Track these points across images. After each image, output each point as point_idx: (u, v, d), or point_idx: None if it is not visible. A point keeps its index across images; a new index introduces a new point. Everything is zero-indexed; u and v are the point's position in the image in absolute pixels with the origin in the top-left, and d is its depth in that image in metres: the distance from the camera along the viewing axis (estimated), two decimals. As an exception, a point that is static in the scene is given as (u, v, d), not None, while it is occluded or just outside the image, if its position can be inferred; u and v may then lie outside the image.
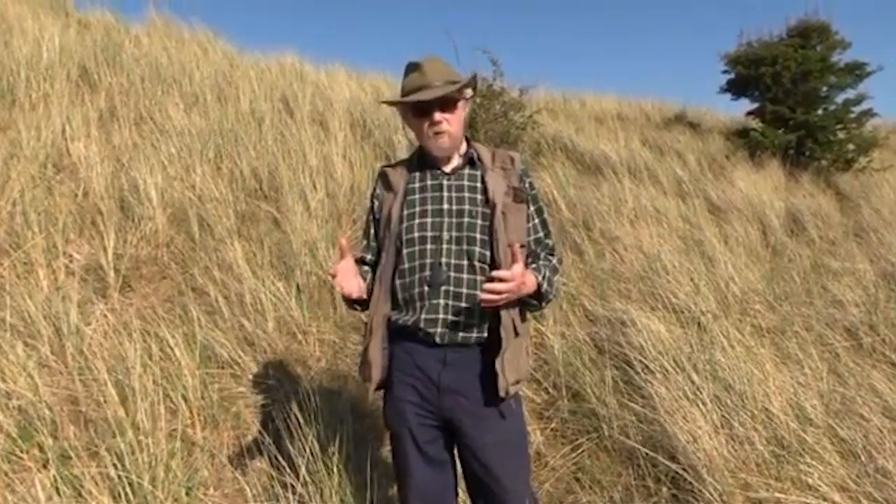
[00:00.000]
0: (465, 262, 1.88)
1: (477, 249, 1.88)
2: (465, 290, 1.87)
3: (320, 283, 4.25)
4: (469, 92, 2.00)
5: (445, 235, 1.90)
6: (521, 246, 1.93)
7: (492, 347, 1.86)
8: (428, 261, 1.89)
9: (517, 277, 1.73)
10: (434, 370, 1.90)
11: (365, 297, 1.98)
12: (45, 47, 6.31)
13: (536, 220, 2.03)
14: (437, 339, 1.87)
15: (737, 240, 5.89)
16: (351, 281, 1.86)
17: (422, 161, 2.03)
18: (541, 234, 2.04)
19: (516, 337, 1.88)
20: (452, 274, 1.87)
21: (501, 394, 1.82)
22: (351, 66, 10.06)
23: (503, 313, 1.84)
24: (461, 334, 1.87)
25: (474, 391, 1.89)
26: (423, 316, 1.88)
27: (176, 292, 3.95)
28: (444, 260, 1.88)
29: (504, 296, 1.73)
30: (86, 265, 3.93)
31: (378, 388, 2.03)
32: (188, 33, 8.90)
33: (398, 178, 2.03)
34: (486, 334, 1.88)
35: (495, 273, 1.73)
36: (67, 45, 6.64)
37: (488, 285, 1.72)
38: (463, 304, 1.87)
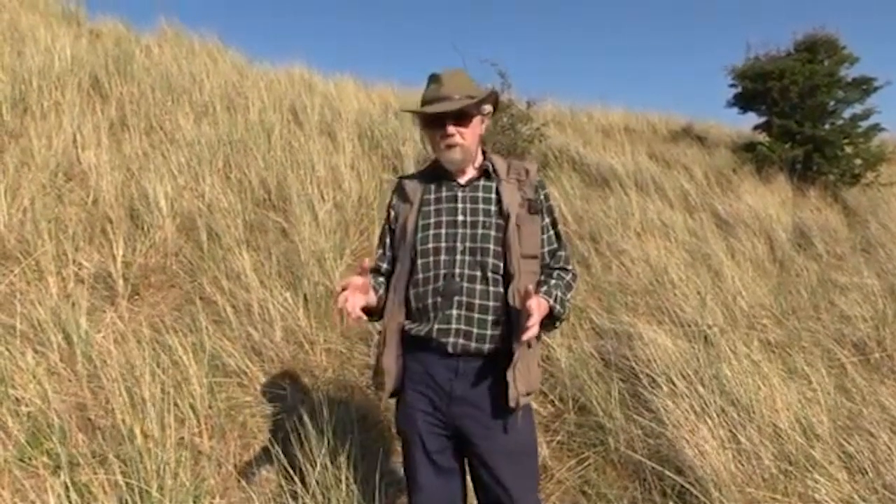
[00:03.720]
0: (479, 273, 1.90)
1: (490, 260, 1.89)
2: (477, 301, 1.89)
3: (328, 293, 4.26)
4: (487, 108, 2.02)
5: (459, 246, 1.91)
6: (534, 257, 1.95)
7: (504, 358, 1.86)
8: (442, 271, 1.91)
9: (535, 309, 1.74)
10: (446, 380, 1.92)
11: (364, 315, 1.89)
12: (57, 57, 6.38)
13: (551, 232, 2.05)
14: (450, 349, 1.89)
15: (744, 254, 5.88)
16: (358, 299, 1.81)
17: (438, 172, 2.05)
18: (555, 246, 2.05)
19: (529, 348, 1.89)
20: (465, 284, 1.89)
21: (512, 404, 1.83)
22: (359, 77, 10.13)
23: (516, 324, 1.84)
24: (474, 345, 1.89)
25: (485, 401, 1.90)
26: (436, 326, 1.90)
27: (184, 301, 3.97)
28: (457, 271, 1.90)
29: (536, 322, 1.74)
30: (95, 273, 3.96)
31: (391, 396, 2.05)
32: (198, 44, 8.98)
33: (414, 189, 2.05)
34: (499, 345, 1.89)
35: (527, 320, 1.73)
36: (79, 54, 6.71)
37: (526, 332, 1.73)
38: (476, 315, 1.88)
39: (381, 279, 2.08)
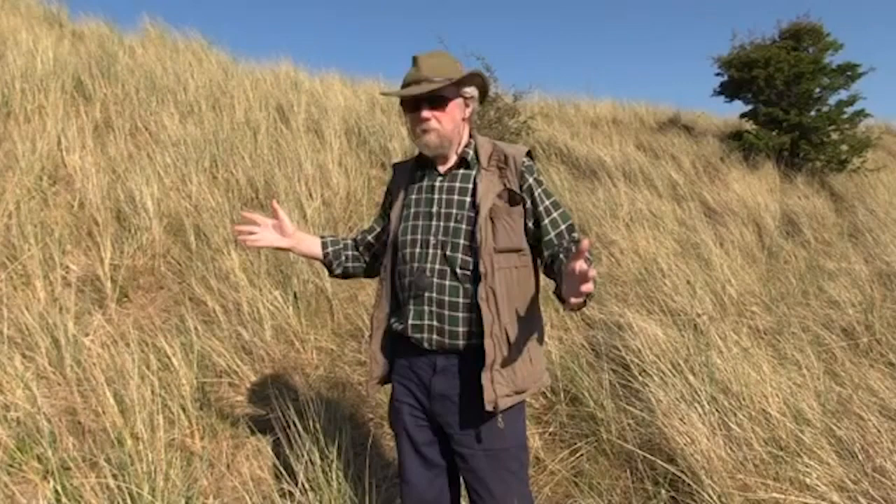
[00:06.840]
0: (448, 269, 1.83)
1: (459, 256, 1.82)
2: (447, 298, 1.82)
3: (317, 291, 4.26)
4: (469, 91, 1.90)
5: (432, 240, 1.86)
6: (514, 251, 1.84)
7: (482, 357, 1.79)
8: (415, 265, 1.87)
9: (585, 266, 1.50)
10: (426, 376, 1.89)
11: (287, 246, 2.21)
12: (40, 59, 6.33)
13: (555, 214, 1.88)
14: (426, 345, 1.86)
15: (732, 242, 5.91)
16: (266, 233, 2.15)
17: (421, 160, 1.98)
18: (562, 228, 1.88)
19: (510, 347, 1.80)
20: (435, 280, 1.83)
21: (489, 408, 1.75)
22: (346, 73, 10.13)
23: (487, 324, 1.76)
24: (448, 341, 1.83)
25: (465, 399, 1.84)
26: (410, 321, 1.87)
27: (173, 302, 3.95)
28: (428, 266, 1.84)
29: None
30: (83, 276, 3.93)
31: (382, 383, 2.06)
32: (182, 43, 8.94)
33: (402, 175, 2.03)
34: (474, 341, 1.81)
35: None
36: (62, 56, 6.66)
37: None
38: (447, 312, 1.82)
39: (350, 245, 2.22)
